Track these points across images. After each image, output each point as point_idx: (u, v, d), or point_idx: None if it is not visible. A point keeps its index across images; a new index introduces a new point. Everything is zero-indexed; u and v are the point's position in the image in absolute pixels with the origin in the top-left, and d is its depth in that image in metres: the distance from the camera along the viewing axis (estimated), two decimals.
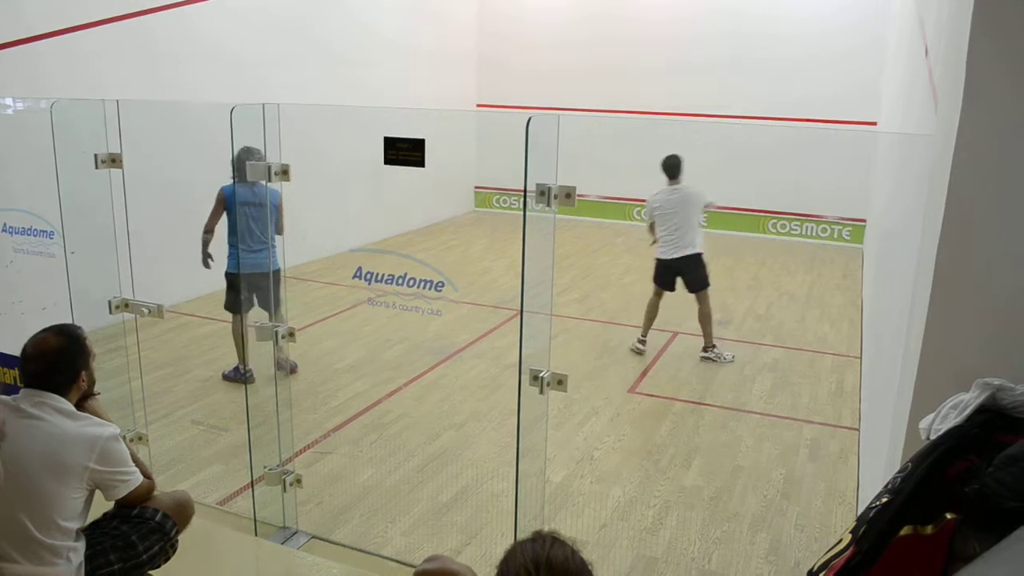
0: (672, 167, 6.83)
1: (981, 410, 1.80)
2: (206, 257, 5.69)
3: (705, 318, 6.70)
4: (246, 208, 5.20)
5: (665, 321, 7.68)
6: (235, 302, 5.62)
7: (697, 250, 6.70)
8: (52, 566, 2.48)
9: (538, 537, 1.63)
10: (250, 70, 8.36)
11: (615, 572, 3.70)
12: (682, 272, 6.69)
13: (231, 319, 5.80)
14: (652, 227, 6.94)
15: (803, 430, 5.29)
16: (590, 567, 1.60)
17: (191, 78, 7.67)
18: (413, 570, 1.97)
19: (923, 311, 2.12)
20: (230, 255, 5.55)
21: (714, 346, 6.69)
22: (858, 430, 5.24)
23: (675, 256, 6.68)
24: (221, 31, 8.08)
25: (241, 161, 5.43)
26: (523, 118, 2.73)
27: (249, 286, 5.21)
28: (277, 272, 4.87)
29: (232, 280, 5.61)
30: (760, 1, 11.75)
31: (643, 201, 12.60)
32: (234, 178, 4.95)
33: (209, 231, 5.61)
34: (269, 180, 3.51)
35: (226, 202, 5.46)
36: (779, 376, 6.33)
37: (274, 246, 5.03)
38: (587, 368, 6.34)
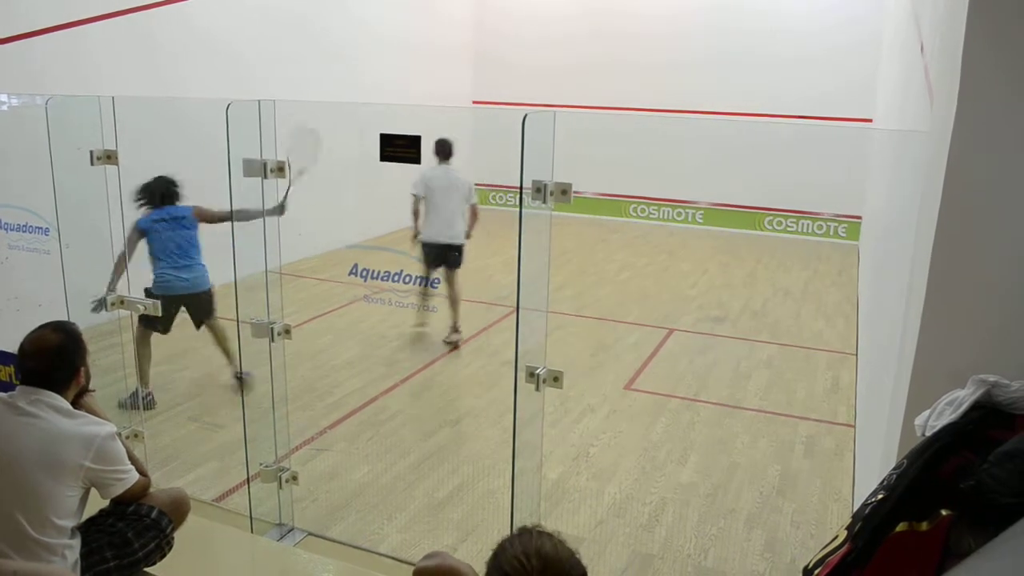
0: (447, 148, 6.63)
1: (976, 406, 1.81)
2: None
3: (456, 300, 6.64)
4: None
5: (663, 318, 7.71)
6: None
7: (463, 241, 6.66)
8: (47, 564, 2.47)
9: (524, 532, 1.67)
10: (247, 66, 8.34)
11: (611, 569, 3.70)
12: (446, 258, 6.56)
13: (141, 340, 5.36)
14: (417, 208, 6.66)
15: (799, 427, 5.30)
16: (577, 555, 1.63)
17: (188, 74, 7.65)
18: (412, 567, 1.98)
19: (919, 307, 2.12)
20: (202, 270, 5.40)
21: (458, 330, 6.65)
22: (854, 427, 5.25)
23: (442, 241, 6.54)
24: (218, 27, 8.06)
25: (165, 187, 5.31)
26: (519, 115, 2.73)
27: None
28: None
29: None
30: None
31: (641, 199, 12.77)
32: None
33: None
34: (265, 176, 3.50)
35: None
36: (775, 373, 6.34)
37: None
38: (583, 365, 6.35)
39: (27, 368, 2.63)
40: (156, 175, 5.35)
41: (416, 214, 6.66)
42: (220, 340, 5.48)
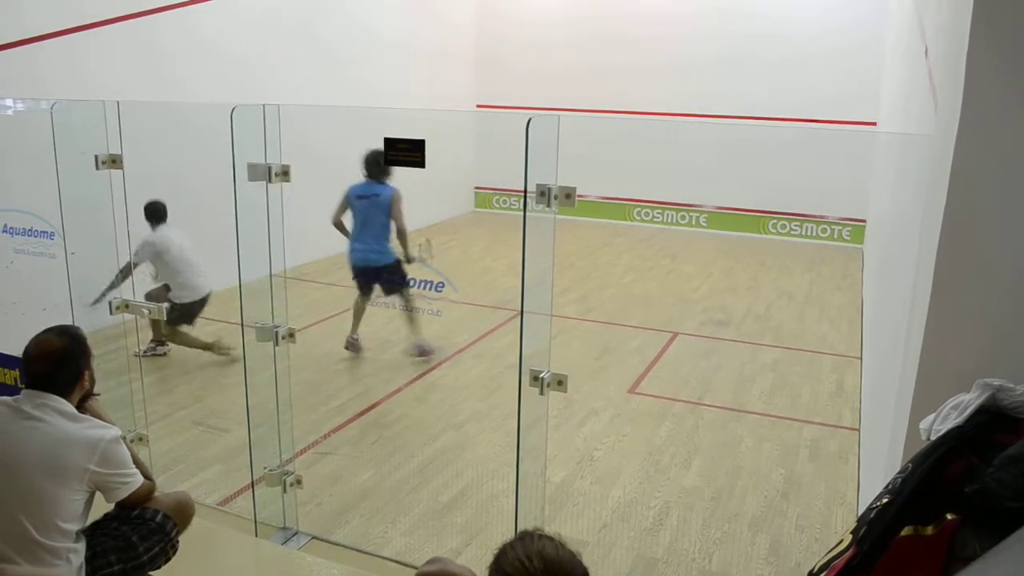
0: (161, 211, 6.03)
1: (981, 410, 1.80)
2: None
3: None
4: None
5: (667, 321, 7.70)
6: None
7: None
8: (52, 568, 2.48)
9: (524, 535, 1.68)
10: (249, 70, 8.36)
11: (615, 573, 3.70)
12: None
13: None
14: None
15: (803, 430, 5.29)
16: (578, 556, 1.64)
17: (192, 78, 7.68)
18: (414, 572, 1.98)
19: (923, 311, 2.12)
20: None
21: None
22: (858, 430, 5.24)
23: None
24: (221, 31, 8.09)
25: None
26: (523, 118, 2.74)
27: None
28: None
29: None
30: (759, 0, 11.77)
31: (645, 202, 12.76)
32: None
33: None
34: (270, 180, 3.51)
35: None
36: (779, 376, 6.33)
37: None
38: (587, 368, 6.34)
39: (32, 372, 2.64)
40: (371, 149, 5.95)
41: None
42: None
